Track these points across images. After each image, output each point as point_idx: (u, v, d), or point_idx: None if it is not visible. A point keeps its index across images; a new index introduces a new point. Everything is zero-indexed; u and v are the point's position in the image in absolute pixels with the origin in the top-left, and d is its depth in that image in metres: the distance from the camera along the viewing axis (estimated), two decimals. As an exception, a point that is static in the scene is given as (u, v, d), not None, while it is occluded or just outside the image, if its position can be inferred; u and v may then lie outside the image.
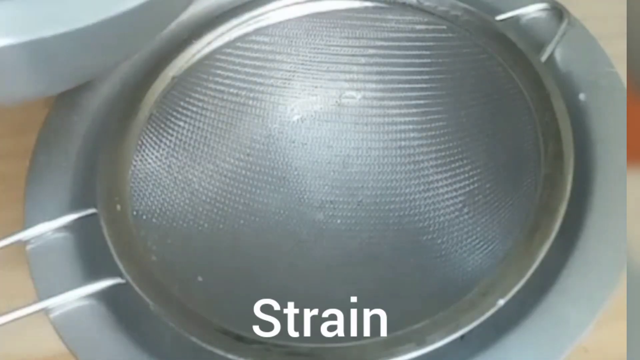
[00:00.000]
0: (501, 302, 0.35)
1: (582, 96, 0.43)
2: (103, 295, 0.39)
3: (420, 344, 0.34)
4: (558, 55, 0.45)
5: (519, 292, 0.36)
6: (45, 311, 0.38)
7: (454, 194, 0.47)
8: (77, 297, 0.38)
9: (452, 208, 0.46)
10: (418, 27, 0.49)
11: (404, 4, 0.49)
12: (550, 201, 0.38)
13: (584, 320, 0.36)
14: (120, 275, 0.39)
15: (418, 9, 0.49)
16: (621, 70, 0.44)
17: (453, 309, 0.35)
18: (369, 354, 0.34)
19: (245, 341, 0.36)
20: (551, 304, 0.37)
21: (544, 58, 0.45)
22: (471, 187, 0.46)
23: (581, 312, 0.36)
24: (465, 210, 0.45)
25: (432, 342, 0.34)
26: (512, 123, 0.44)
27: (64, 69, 0.34)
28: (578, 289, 0.37)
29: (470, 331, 0.34)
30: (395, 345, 0.34)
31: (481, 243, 0.42)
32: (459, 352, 0.35)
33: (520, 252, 0.37)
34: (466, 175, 0.47)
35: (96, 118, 0.47)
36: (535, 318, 0.36)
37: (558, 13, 0.47)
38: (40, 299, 0.38)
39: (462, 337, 0.34)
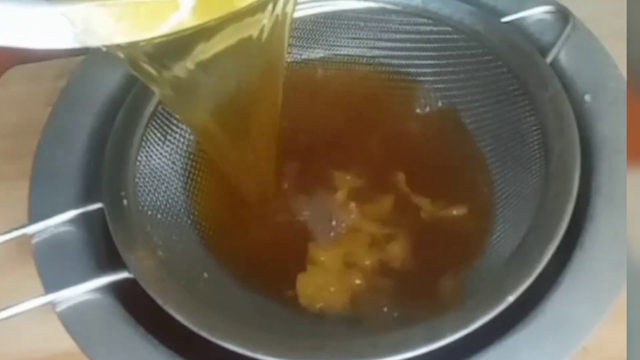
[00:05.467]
0: (511, 298, 0.35)
1: (587, 97, 0.44)
2: (110, 289, 0.39)
3: (430, 339, 0.34)
4: (563, 57, 0.46)
5: (524, 292, 0.36)
6: (52, 305, 0.38)
7: (460, 194, 0.47)
8: (83, 290, 0.38)
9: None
10: (422, 28, 0.49)
11: (408, 5, 0.49)
12: (557, 201, 0.39)
13: (590, 319, 0.36)
14: (127, 270, 0.39)
15: (423, 11, 0.49)
16: (622, 70, 0.44)
17: (463, 304, 0.35)
18: (379, 349, 0.34)
19: (253, 335, 0.36)
20: (557, 303, 0.37)
21: (549, 60, 0.45)
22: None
23: (587, 312, 0.36)
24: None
25: (443, 337, 0.34)
26: (518, 124, 0.44)
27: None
28: (583, 289, 0.37)
29: (480, 327, 0.35)
30: (404, 341, 0.34)
31: (489, 241, 0.43)
32: (468, 347, 0.35)
33: (528, 249, 0.37)
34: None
35: (101, 114, 0.47)
36: (541, 318, 0.36)
37: (563, 15, 0.47)
38: (47, 292, 0.38)
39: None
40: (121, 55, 0.33)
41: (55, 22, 0.26)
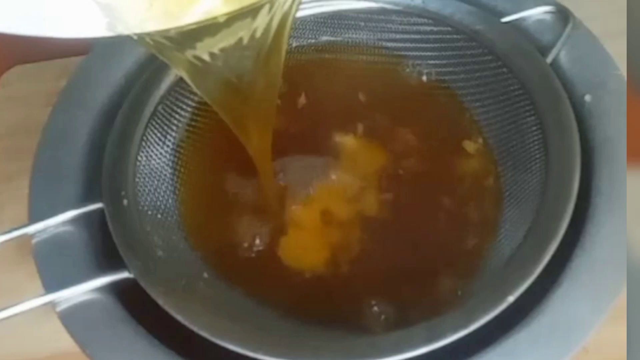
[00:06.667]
0: (511, 298, 0.35)
1: (587, 97, 0.44)
2: (110, 289, 0.39)
3: (430, 339, 0.34)
4: (563, 57, 0.46)
5: (524, 292, 0.36)
6: (52, 305, 0.38)
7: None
8: (83, 290, 0.38)
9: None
10: (423, 28, 0.49)
11: (408, 5, 0.49)
12: (557, 201, 0.39)
13: (590, 319, 0.36)
14: (127, 270, 0.39)
15: (423, 11, 0.49)
16: (622, 70, 0.44)
17: (463, 304, 0.35)
18: (379, 349, 0.34)
19: (253, 335, 0.36)
20: (557, 303, 0.37)
21: (549, 60, 0.45)
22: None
23: (587, 312, 0.36)
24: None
25: (443, 337, 0.34)
26: (518, 124, 0.44)
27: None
28: (583, 289, 0.37)
29: (480, 328, 0.35)
30: (405, 341, 0.34)
31: (490, 241, 0.43)
32: (468, 347, 0.35)
33: (528, 249, 0.37)
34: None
35: (100, 114, 0.47)
36: (541, 318, 0.36)
37: (563, 15, 0.47)
38: (47, 292, 0.38)
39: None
40: (150, 42, 0.32)
41: (87, 10, 0.26)
